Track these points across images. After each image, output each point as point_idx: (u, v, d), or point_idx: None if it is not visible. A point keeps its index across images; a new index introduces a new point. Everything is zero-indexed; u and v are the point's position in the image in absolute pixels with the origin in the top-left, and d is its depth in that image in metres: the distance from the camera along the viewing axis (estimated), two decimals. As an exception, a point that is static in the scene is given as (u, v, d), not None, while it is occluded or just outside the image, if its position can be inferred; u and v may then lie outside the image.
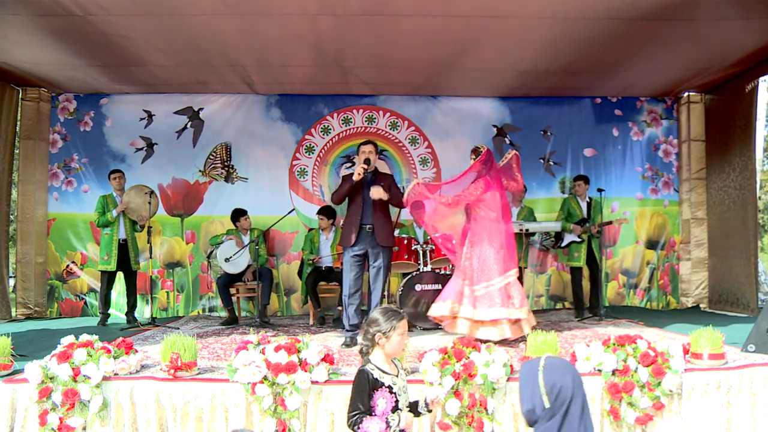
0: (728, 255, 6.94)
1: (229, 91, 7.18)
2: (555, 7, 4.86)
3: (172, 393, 3.21)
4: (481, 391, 3.19)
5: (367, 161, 4.79)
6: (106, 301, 6.23)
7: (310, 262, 6.33)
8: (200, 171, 7.21)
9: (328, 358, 3.34)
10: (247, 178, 7.28)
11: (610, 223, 6.40)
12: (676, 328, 5.34)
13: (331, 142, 7.35)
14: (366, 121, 7.36)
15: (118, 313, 6.69)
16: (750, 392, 3.45)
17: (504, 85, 6.95)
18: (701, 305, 7.32)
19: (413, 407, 2.65)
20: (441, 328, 5.52)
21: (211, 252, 6.42)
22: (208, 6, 4.79)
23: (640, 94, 7.52)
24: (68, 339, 3.40)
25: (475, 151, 4.82)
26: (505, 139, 7.48)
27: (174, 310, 7.07)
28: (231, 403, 3.19)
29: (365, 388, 2.49)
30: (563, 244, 6.52)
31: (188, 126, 7.25)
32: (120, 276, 6.37)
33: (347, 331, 4.74)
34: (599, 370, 3.35)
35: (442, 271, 5.94)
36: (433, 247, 5.82)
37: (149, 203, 5.99)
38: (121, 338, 3.56)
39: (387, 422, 2.45)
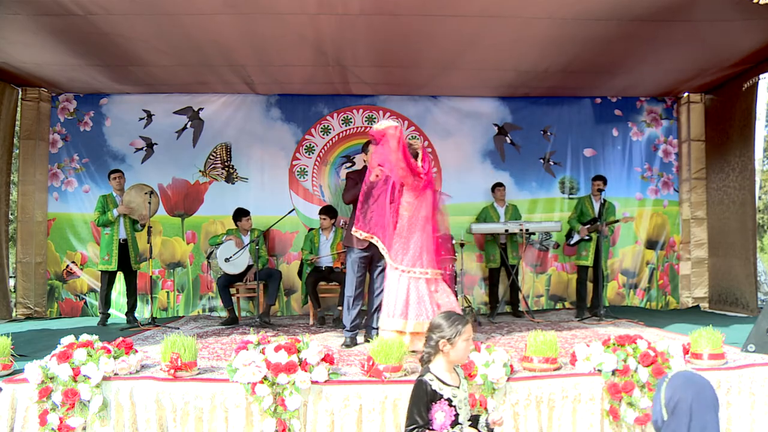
0: (728, 255, 6.94)
1: (229, 91, 7.18)
2: (554, 8, 4.86)
3: (172, 393, 3.21)
4: (481, 391, 3.19)
5: (359, 170, 4.79)
6: (106, 301, 6.23)
7: (310, 262, 6.33)
8: (200, 171, 7.20)
9: (328, 358, 3.34)
10: (247, 179, 7.28)
11: (617, 221, 6.44)
12: (676, 328, 5.34)
13: (331, 142, 7.35)
14: (366, 121, 7.36)
15: (118, 313, 6.69)
16: (750, 392, 3.45)
17: (504, 85, 6.95)
18: (701, 305, 7.32)
19: (474, 422, 2.52)
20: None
21: (211, 252, 6.42)
22: (207, 5, 4.79)
23: (640, 94, 7.52)
24: (68, 339, 3.40)
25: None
26: (506, 137, 7.48)
27: (174, 310, 7.07)
28: (231, 403, 3.19)
29: (423, 400, 2.35)
30: (572, 242, 6.53)
31: (188, 126, 7.25)
32: (120, 276, 6.37)
33: (347, 331, 4.71)
34: (599, 370, 3.35)
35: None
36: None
37: (149, 203, 5.99)
38: (121, 338, 3.56)
39: None
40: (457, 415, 2.38)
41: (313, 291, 6.23)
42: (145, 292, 6.79)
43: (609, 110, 7.60)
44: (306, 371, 3.18)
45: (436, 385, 2.39)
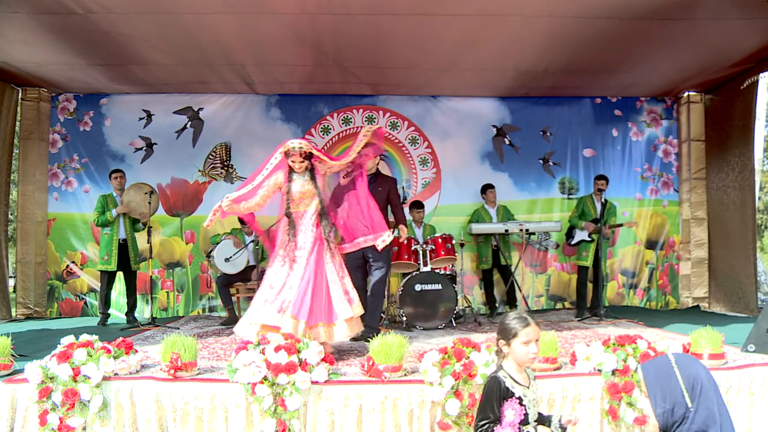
0: (728, 255, 6.95)
1: (228, 91, 7.18)
2: (555, 6, 4.86)
3: (172, 393, 3.21)
4: (481, 391, 3.18)
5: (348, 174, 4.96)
6: (106, 301, 6.23)
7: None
8: (200, 171, 7.20)
9: (328, 358, 3.34)
10: (246, 178, 7.26)
11: (620, 225, 6.45)
12: (676, 328, 5.34)
13: (331, 142, 7.35)
14: (366, 121, 7.36)
15: (118, 313, 6.69)
16: (749, 392, 3.45)
17: (504, 85, 6.95)
18: (701, 305, 7.32)
19: (543, 421, 2.50)
20: (441, 328, 5.54)
21: (211, 251, 6.42)
22: (207, 5, 4.80)
23: (639, 94, 7.52)
24: (68, 339, 3.40)
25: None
26: (505, 139, 7.48)
27: (174, 310, 7.07)
28: (231, 403, 3.19)
29: (497, 396, 2.35)
30: (573, 242, 6.53)
31: (188, 126, 7.25)
32: (120, 276, 6.37)
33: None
34: (599, 370, 3.35)
35: (442, 271, 5.95)
36: (433, 247, 5.83)
37: (149, 202, 5.99)
38: (121, 338, 3.56)
39: None
40: (526, 414, 2.39)
41: (313, 291, 6.21)
42: (145, 292, 6.79)
43: (609, 110, 7.60)
44: (306, 371, 3.17)
45: (508, 383, 2.40)
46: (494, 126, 7.48)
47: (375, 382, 3.26)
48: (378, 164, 5.09)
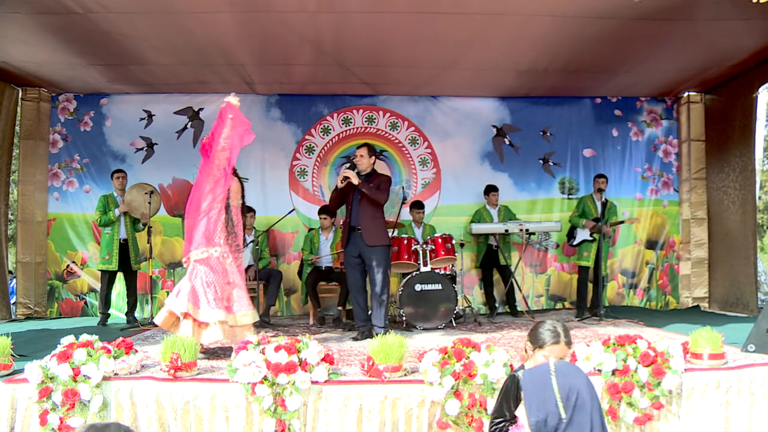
0: (728, 255, 6.95)
1: (229, 91, 7.11)
2: (555, 5, 4.86)
3: (172, 393, 3.21)
4: (481, 391, 3.19)
5: (351, 166, 4.97)
6: (106, 301, 6.23)
7: (310, 262, 6.33)
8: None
9: (328, 358, 3.34)
10: (247, 179, 7.19)
11: (621, 222, 6.46)
12: (675, 328, 5.34)
13: (331, 142, 7.35)
14: (366, 121, 7.37)
15: (118, 313, 6.69)
16: (749, 392, 3.45)
17: (504, 84, 6.95)
18: (701, 305, 7.32)
19: None
20: (441, 328, 5.54)
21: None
22: (208, 4, 4.80)
23: (640, 94, 7.52)
24: (68, 339, 3.40)
25: None
26: (505, 139, 7.48)
27: (174, 310, 7.06)
28: (231, 403, 3.19)
29: (513, 394, 2.29)
30: (575, 242, 6.53)
31: (188, 126, 7.25)
32: (120, 276, 6.37)
33: (360, 327, 4.99)
34: (599, 370, 3.35)
35: (442, 271, 5.95)
36: (433, 247, 5.83)
37: (149, 202, 5.99)
38: (121, 338, 3.56)
39: None
40: None
41: (313, 291, 6.23)
42: (145, 292, 6.79)
43: (609, 110, 7.60)
44: (306, 371, 3.17)
45: None
46: (494, 126, 7.48)
47: (375, 382, 3.26)
48: (374, 164, 5.11)
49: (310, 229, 6.77)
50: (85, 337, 3.42)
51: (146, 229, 6.01)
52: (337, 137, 7.35)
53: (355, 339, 4.92)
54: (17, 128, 7.08)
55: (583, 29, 5.30)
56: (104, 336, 3.72)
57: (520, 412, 2.21)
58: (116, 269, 6.11)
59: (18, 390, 3.24)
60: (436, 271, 5.82)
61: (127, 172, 6.42)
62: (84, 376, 3.19)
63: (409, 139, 7.41)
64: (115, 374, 3.29)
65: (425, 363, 3.26)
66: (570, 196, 7.48)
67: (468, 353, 3.28)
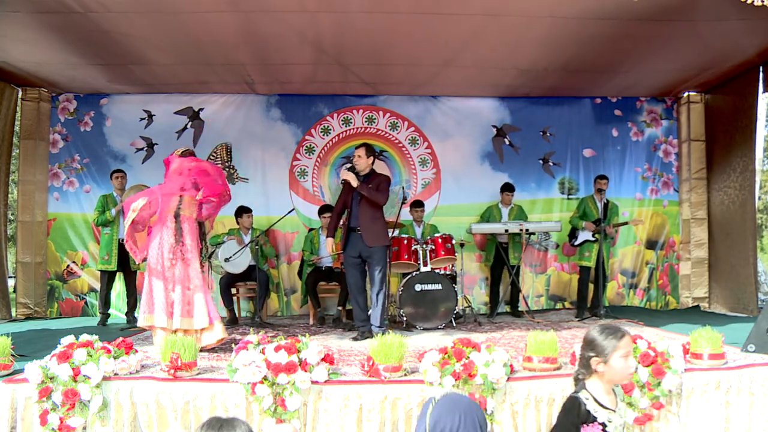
0: (728, 255, 6.95)
1: (229, 91, 7.19)
2: (555, 6, 4.86)
3: (172, 393, 3.21)
4: (481, 391, 3.19)
5: (351, 168, 5.05)
6: (106, 301, 6.23)
7: (311, 262, 6.34)
8: (200, 171, 7.19)
9: (328, 358, 3.34)
10: (247, 179, 7.28)
11: (625, 223, 6.46)
12: (675, 328, 5.34)
13: (331, 142, 7.35)
14: (366, 121, 7.37)
15: (118, 313, 6.69)
16: (749, 392, 3.45)
17: (504, 84, 6.95)
18: (701, 305, 7.32)
19: None
20: (441, 328, 5.54)
21: (212, 252, 6.42)
22: (208, 3, 4.80)
23: (640, 94, 7.52)
24: (68, 339, 3.40)
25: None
26: (505, 139, 7.49)
27: (174, 310, 7.06)
28: (231, 403, 3.19)
29: (574, 420, 2.10)
30: (577, 243, 6.53)
31: (188, 126, 7.25)
32: (120, 276, 6.37)
33: (360, 326, 5.01)
34: (599, 370, 3.35)
35: (442, 271, 5.95)
36: (433, 247, 5.83)
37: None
38: (121, 338, 3.56)
39: None
40: None
41: (313, 291, 6.23)
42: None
43: (609, 110, 7.60)
44: (306, 371, 3.17)
45: (590, 406, 2.14)
46: (494, 126, 7.48)
47: (375, 382, 3.26)
48: (372, 164, 5.10)
49: (311, 229, 6.77)
50: (85, 337, 3.42)
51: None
52: (337, 137, 7.35)
53: (354, 339, 4.93)
54: (17, 128, 7.08)
55: (583, 30, 5.30)
56: (104, 336, 3.72)
57: None
58: (116, 269, 6.11)
59: (18, 390, 3.23)
60: (436, 271, 5.82)
61: (126, 172, 6.42)
62: (84, 376, 3.19)
63: (409, 139, 7.41)
64: (115, 374, 3.29)
65: (425, 363, 3.26)
66: (570, 197, 7.47)
67: (468, 353, 3.28)
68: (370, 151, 5.12)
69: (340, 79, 6.78)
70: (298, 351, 3.24)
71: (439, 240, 5.87)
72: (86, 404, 3.17)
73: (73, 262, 7.06)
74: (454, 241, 5.98)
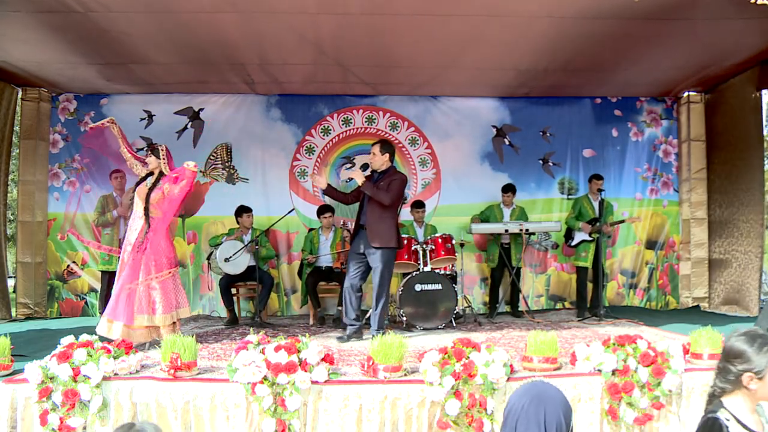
0: (728, 255, 6.94)
1: (229, 91, 7.18)
2: (555, 6, 4.86)
3: (172, 393, 3.21)
4: (481, 391, 3.19)
5: (363, 166, 4.96)
6: (106, 302, 6.21)
7: (307, 261, 6.34)
8: (201, 171, 7.20)
9: (328, 358, 3.34)
10: (247, 179, 7.28)
11: (622, 221, 6.45)
12: (675, 328, 5.34)
13: (331, 142, 7.35)
14: (366, 121, 7.37)
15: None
16: (749, 392, 3.45)
17: (503, 84, 6.95)
18: (701, 305, 7.32)
19: None
20: (441, 328, 5.54)
21: (211, 253, 6.42)
22: (208, 3, 4.80)
23: (639, 94, 7.52)
24: (68, 339, 3.40)
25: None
26: (505, 139, 7.49)
27: (174, 310, 7.06)
28: (231, 403, 3.19)
29: None
30: (573, 243, 6.52)
31: (188, 126, 7.25)
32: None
33: (348, 326, 4.88)
34: (599, 370, 3.35)
35: (442, 271, 5.95)
36: (433, 247, 5.83)
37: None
38: (121, 338, 3.56)
39: None
40: None
41: (313, 291, 6.23)
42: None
43: (609, 110, 7.60)
44: (306, 371, 3.18)
45: (733, 427, 1.86)
46: (494, 126, 7.48)
47: (375, 382, 3.26)
48: (390, 161, 4.96)
49: (311, 229, 6.77)
50: (85, 337, 3.42)
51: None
52: (337, 137, 7.35)
53: (340, 339, 4.81)
54: (17, 128, 7.08)
55: (582, 30, 5.30)
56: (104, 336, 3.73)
57: None
58: (116, 270, 6.09)
59: (18, 390, 3.24)
60: (436, 271, 5.82)
61: (127, 173, 6.42)
62: (84, 376, 3.19)
63: (409, 140, 7.41)
64: (115, 374, 3.29)
65: (425, 363, 3.26)
66: (570, 197, 7.47)
67: (468, 353, 3.28)
68: (386, 147, 4.96)
69: (340, 80, 6.78)
70: (298, 351, 3.24)
71: (439, 240, 5.87)
72: (86, 404, 3.17)
73: (74, 262, 7.06)
74: (454, 241, 5.98)
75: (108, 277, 6.17)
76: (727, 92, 6.96)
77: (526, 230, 6.31)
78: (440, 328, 5.55)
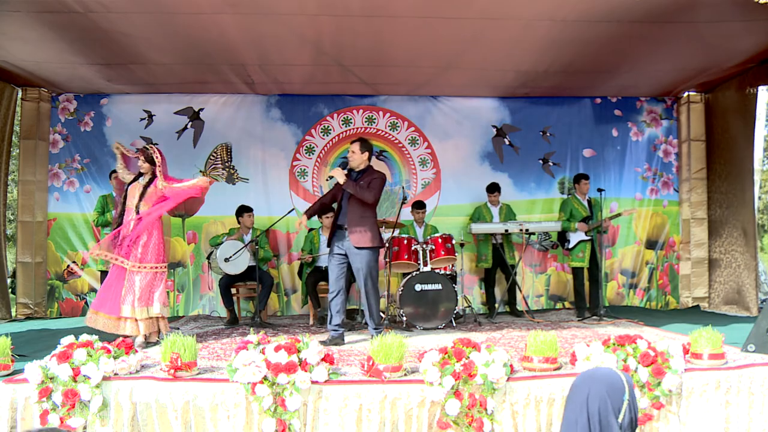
0: (728, 255, 6.94)
1: (229, 91, 7.19)
2: (555, 10, 4.86)
3: (172, 393, 3.21)
4: (481, 391, 3.19)
5: (342, 164, 4.94)
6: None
7: (303, 260, 6.34)
8: (201, 171, 7.20)
9: (328, 358, 3.34)
10: (247, 179, 7.28)
11: (619, 215, 6.46)
12: (675, 328, 5.34)
13: (331, 142, 7.35)
14: (366, 121, 7.37)
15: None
16: (749, 392, 3.46)
17: (504, 85, 6.95)
18: (701, 305, 7.32)
19: None
20: (441, 328, 5.54)
21: (211, 253, 6.42)
22: (208, 4, 4.80)
23: (639, 94, 7.52)
24: (68, 339, 3.40)
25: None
26: (505, 139, 7.49)
27: (174, 310, 7.07)
28: (231, 403, 3.19)
29: None
30: (571, 246, 6.49)
31: (188, 126, 7.25)
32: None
33: (332, 330, 4.78)
34: (599, 370, 3.35)
35: (442, 271, 5.95)
36: (433, 247, 5.83)
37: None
38: (121, 338, 3.56)
39: None
40: None
41: (313, 291, 6.23)
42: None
43: (609, 110, 7.60)
44: (306, 371, 3.18)
45: None
46: (494, 126, 7.48)
47: (375, 382, 3.26)
48: (368, 160, 4.90)
49: (311, 230, 6.76)
50: (85, 337, 3.42)
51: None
52: (337, 137, 7.35)
53: (323, 342, 4.48)
54: (17, 128, 7.08)
55: (583, 33, 5.30)
56: (104, 336, 3.73)
57: None
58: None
59: (18, 390, 3.24)
60: (436, 271, 5.82)
61: (126, 173, 6.42)
62: (84, 376, 3.19)
63: (409, 140, 7.41)
64: (115, 374, 3.29)
65: (425, 363, 3.26)
66: (569, 197, 7.46)
67: (468, 353, 3.28)
68: (365, 146, 4.87)
69: (340, 80, 6.78)
70: (298, 351, 3.24)
71: (439, 240, 5.87)
72: (86, 404, 3.17)
73: (74, 262, 7.06)
74: (454, 241, 5.98)
75: (108, 277, 6.16)
76: (727, 92, 6.96)
77: (526, 230, 6.31)
78: (440, 328, 5.56)
